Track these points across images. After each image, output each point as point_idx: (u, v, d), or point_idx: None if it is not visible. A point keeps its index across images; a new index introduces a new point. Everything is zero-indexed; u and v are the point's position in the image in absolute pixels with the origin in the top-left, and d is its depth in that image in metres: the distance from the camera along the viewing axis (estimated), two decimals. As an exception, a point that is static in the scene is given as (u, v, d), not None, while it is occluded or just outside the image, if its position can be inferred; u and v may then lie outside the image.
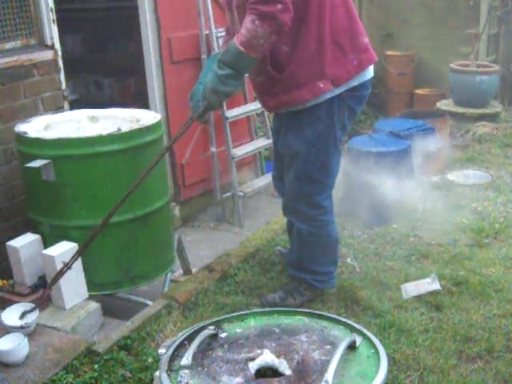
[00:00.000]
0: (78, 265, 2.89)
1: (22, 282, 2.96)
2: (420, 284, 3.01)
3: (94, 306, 2.91)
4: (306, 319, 2.02)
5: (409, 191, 4.02)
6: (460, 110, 6.07)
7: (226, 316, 2.06)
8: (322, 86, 2.59)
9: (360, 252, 3.41)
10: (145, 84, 4.24)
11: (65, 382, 2.40)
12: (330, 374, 1.63)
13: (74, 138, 2.96)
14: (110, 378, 2.43)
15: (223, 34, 4.29)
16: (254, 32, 2.35)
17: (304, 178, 2.80)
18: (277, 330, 1.95)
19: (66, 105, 3.61)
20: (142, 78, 4.29)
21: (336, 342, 1.85)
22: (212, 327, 1.93)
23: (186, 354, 1.78)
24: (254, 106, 4.66)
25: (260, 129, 5.12)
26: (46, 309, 2.89)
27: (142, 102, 4.74)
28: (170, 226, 3.36)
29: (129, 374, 2.45)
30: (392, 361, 2.42)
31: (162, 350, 1.87)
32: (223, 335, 1.93)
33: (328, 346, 1.85)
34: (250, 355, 1.81)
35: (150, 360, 2.51)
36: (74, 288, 2.88)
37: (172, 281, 3.33)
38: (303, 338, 1.90)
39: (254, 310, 2.17)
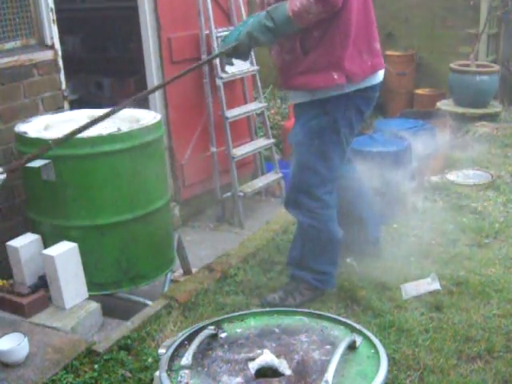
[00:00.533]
0: (78, 265, 2.90)
1: (21, 281, 2.96)
2: (420, 284, 3.01)
3: (94, 306, 2.91)
4: (306, 319, 2.02)
5: (409, 191, 4.03)
6: (460, 109, 6.07)
7: (226, 316, 2.06)
8: (336, 77, 2.71)
9: (360, 252, 3.40)
10: (145, 84, 4.24)
11: (65, 382, 2.40)
12: (329, 374, 1.63)
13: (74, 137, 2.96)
14: (110, 378, 2.43)
15: (223, 34, 4.33)
16: (308, 7, 2.52)
17: (305, 168, 2.88)
18: (277, 330, 1.95)
19: (66, 105, 3.62)
20: (142, 77, 4.30)
21: (336, 341, 1.85)
22: (212, 327, 1.93)
23: (186, 354, 1.78)
24: (254, 106, 4.66)
25: (260, 129, 5.13)
26: (46, 309, 2.89)
27: (142, 102, 4.74)
28: (170, 226, 3.36)
29: (129, 374, 2.45)
30: (392, 361, 2.42)
31: (161, 350, 1.87)
32: (223, 335, 1.93)
33: (328, 346, 1.85)
34: (250, 355, 1.81)
35: (150, 360, 2.51)
36: (74, 288, 2.88)
37: (172, 281, 3.33)
38: (303, 337, 1.90)
39: (254, 310, 2.17)
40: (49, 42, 3.50)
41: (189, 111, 4.35)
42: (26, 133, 2.98)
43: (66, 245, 2.88)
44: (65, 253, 2.84)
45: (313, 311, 2.10)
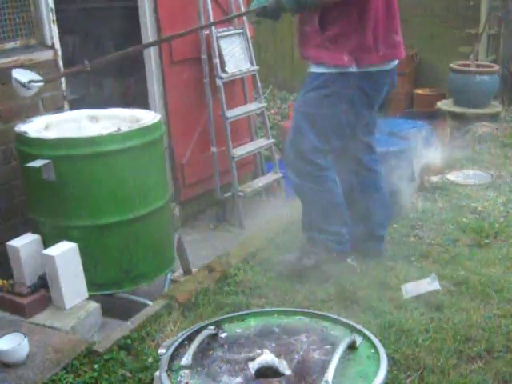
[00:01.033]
0: (78, 265, 2.90)
1: (21, 281, 2.96)
2: (420, 284, 3.01)
3: (94, 306, 2.91)
4: (306, 319, 2.02)
5: (409, 191, 4.02)
6: (460, 109, 6.06)
7: (226, 316, 2.06)
8: (346, 59, 2.87)
9: (360, 252, 3.40)
10: (145, 84, 4.24)
11: (65, 382, 2.40)
12: (329, 374, 1.63)
13: (74, 137, 2.97)
14: (110, 378, 2.43)
15: (223, 34, 4.33)
16: None
17: (298, 133, 3.07)
18: (277, 330, 1.95)
19: (66, 105, 3.62)
20: (142, 77, 4.30)
21: (336, 341, 1.85)
22: (212, 327, 1.93)
23: (186, 354, 1.78)
24: (254, 106, 4.66)
25: (260, 129, 5.13)
26: (46, 309, 2.89)
27: (141, 101, 4.74)
28: (170, 226, 3.36)
29: (129, 374, 2.45)
30: (392, 361, 2.42)
31: (161, 350, 1.87)
32: (223, 335, 1.93)
33: (328, 346, 1.85)
34: (250, 355, 1.81)
35: (150, 360, 2.51)
36: (74, 288, 2.88)
37: (172, 281, 3.33)
38: (303, 337, 1.90)
39: (254, 310, 2.17)
40: (49, 42, 3.50)
41: (189, 111, 4.35)
42: (26, 133, 2.98)
43: (66, 245, 2.88)
44: (65, 253, 2.84)
45: (313, 311, 2.10)
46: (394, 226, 3.72)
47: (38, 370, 2.46)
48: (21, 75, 2.83)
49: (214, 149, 4.45)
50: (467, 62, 6.19)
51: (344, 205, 3.17)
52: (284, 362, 1.78)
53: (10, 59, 3.27)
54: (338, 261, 3.17)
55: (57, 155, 2.86)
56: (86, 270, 2.92)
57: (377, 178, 3.27)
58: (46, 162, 2.83)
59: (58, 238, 2.92)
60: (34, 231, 3.05)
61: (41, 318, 2.83)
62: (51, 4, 3.47)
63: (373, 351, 1.81)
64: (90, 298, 2.95)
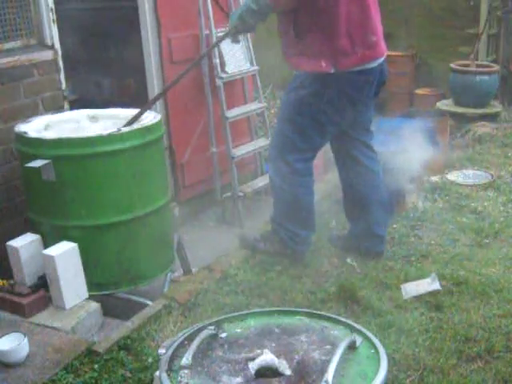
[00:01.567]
0: (78, 265, 2.90)
1: (21, 281, 2.96)
2: (420, 284, 3.01)
3: (94, 306, 2.91)
4: (306, 319, 2.02)
5: (409, 191, 4.03)
6: (460, 109, 6.06)
7: (226, 316, 2.06)
8: (324, 65, 2.92)
9: (360, 252, 3.40)
10: (145, 84, 4.24)
11: (65, 382, 2.40)
12: (329, 374, 1.63)
13: (74, 137, 2.96)
14: (110, 378, 2.43)
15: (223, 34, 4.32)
16: None
17: (280, 133, 3.16)
18: (277, 330, 1.95)
19: (66, 105, 3.61)
20: (142, 77, 4.29)
21: (336, 341, 1.85)
22: (212, 327, 1.93)
23: (186, 354, 1.78)
24: (254, 106, 4.66)
25: (260, 129, 5.12)
26: (46, 309, 2.89)
27: (141, 101, 4.73)
28: (170, 225, 3.36)
29: (129, 374, 2.45)
30: (392, 361, 2.42)
31: (161, 350, 1.87)
32: (223, 335, 1.93)
33: (328, 346, 1.85)
34: (250, 355, 1.82)
35: (150, 360, 2.51)
36: (74, 288, 2.88)
37: (172, 281, 3.33)
38: (303, 337, 1.90)
39: (254, 310, 2.17)
40: (49, 42, 3.50)
41: (189, 111, 4.35)
42: (26, 133, 2.98)
43: (66, 245, 2.88)
44: (65, 253, 2.84)
45: (313, 311, 2.10)
46: (394, 226, 3.72)
47: (38, 370, 2.46)
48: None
49: (213, 149, 4.44)
50: (467, 62, 6.19)
51: (311, 211, 3.26)
52: (284, 362, 1.78)
53: (10, 59, 3.27)
54: (291, 257, 3.28)
55: (57, 155, 2.86)
56: (85, 270, 2.92)
57: (375, 177, 3.27)
58: (45, 162, 2.83)
59: (58, 238, 2.92)
60: (34, 231, 3.05)
61: (41, 318, 2.83)
62: (51, 4, 3.47)
63: (373, 351, 1.81)
64: (90, 297, 2.95)
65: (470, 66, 6.12)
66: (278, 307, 2.73)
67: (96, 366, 2.48)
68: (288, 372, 1.75)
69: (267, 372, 1.77)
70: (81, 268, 2.90)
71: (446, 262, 3.28)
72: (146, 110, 3.15)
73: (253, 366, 1.77)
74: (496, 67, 6.23)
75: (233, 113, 4.41)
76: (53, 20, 3.48)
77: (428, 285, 2.98)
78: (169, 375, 1.73)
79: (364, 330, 1.90)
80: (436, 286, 2.97)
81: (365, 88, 3.04)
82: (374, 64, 3.01)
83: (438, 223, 3.76)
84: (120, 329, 2.74)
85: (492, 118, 6.03)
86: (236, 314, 2.08)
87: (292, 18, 2.94)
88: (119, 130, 2.96)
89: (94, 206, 2.94)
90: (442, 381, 2.36)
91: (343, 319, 1.99)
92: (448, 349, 2.53)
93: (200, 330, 1.92)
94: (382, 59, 3.07)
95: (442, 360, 2.46)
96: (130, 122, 3.07)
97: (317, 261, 3.32)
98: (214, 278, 3.14)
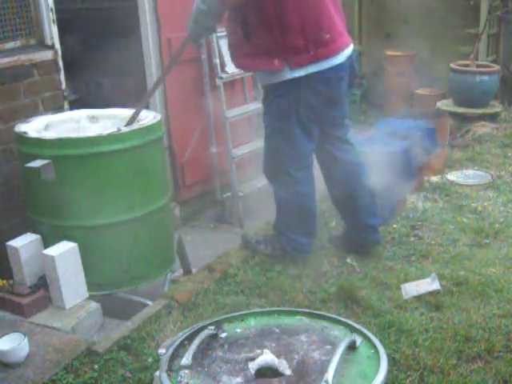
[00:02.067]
0: (78, 265, 2.90)
1: (21, 281, 2.97)
2: (420, 284, 3.01)
3: (94, 306, 2.91)
4: (306, 319, 2.02)
5: (409, 191, 4.03)
6: (460, 109, 6.06)
7: (226, 316, 2.06)
8: (276, 63, 2.90)
9: (360, 252, 3.40)
10: (145, 84, 4.24)
11: (65, 382, 2.40)
12: (329, 374, 1.63)
13: (74, 137, 2.96)
14: (110, 378, 2.43)
15: (223, 34, 4.32)
16: None
17: (272, 148, 3.14)
18: (277, 330, 1.95)
19: (66, 105, 3.61)
20: (142, 77, 4.30)
21: (336, 342, 1.85)
22: (212, 327, 1.93)
23: (186, 354, 1.78)
24: (254, 106, 4.66)
25: (260, 129, 5.12)
26: (46, 309, 2.89)
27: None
28: (170, 225, 3.36)
29: (129, 374, 2.45)
30: (392, 361, 2.42)
31: (162, 350, 1.87)
32: (223, 335, 1.93)
33: (328, 346, 1.85)
34: (250, 355, 1.81)
35: (149, 360, 2.51)
36: (74, 288, 2.88)
37: (172, 281, 3.33)
38: (303, 337, 1.90)
39: (254, 310, 2.17)
40: (49, 42, 3.50)
41: (189, 111, 4.35)
42: (25, 133, 2.98)
43: (66, 245, 2.88)
44: (65, 253, 2.84)
45: (313, 311, 2.10)
46: (394, 226, 3.72)
47: (38, 369, 2.46)
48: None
49: (213, 149, 4.44)
50: (467, 62, 6.19)
51: (313, 219, 3.26)
52: (284, 362, 1.78)
53: (10, 59, 3.27)
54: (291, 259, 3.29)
55: (56, 155, 2.86)
56: (85, 270, 2.92)
57: (356, 169, 3.27)
58: (45, 162, 2.83)
59: (57, 238, 2.92)
60: (34, 231, 3.05)
61: (41, 318, 2.83)
62: (51, 4, 3.47)
63: (373, 351, 1.81)
64: (90, 297, 2.95)
65: (470, 66, 6.12)
66: (277, 307, 2.74)
67: (96, 366, 2.48)
68: (288, 372, 1.75)
69: (267, 372, 1.77)
70: (81, 268, 2.90)
71: (446, 261, 3.28)
72: (141, 109, 3.16)
73: (253, 366, 1.77)
74: (496, 67, 6.23)
75: (233, 113, 4.41)
76: (53, 20, 3.48)
77: (428, 285, 2.98)
78: (169, 375, 1.73)
79: (364, 330, 1.90)
80: (436, 285, 2.97)
81: (337, 84, 3.03)
82: (343, 58, 2.99)
83: (438, 223, 3.76)
84: (120, 329, 2.74)
85: (492, 118, 6.02)
86: (236, 313, 2.08)
87: (240, 17, 2.91)
88: (119, 129, 2.96)
89: (94, 205, 2.94)
90: (442, 381, 2.36)
91: (343, 319, 1.98)
92: (448, 349, 2.53)
93: (200, 330, 1.92)
94: (350, 52, 3.05)
95: (442, 360, 2.46)
96: (130, 122, 3.08)
97: (317, 261, 3.32)
98: (214, 278, 3.14)
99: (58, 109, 3.53)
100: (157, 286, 3.28)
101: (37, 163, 2.82)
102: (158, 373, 1.84)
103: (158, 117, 3.19)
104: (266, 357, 1.79)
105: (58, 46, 3.53)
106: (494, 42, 6.82)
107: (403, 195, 3.93)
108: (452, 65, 6.23)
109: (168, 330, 2.71)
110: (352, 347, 1.81)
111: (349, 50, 3.04)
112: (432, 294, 2.93)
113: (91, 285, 2.96)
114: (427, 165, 4.26)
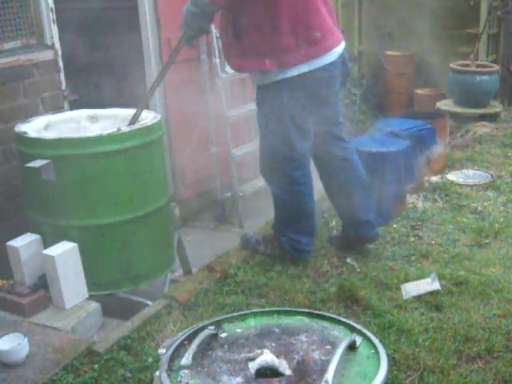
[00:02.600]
0: (78, 265, 2.89)
1: (21, 281, 2.96)
2: (420, 284, 3.01)
3: (94, 306, 2.91)
4: (306, 319, 2.02)
5: (408, 191, 4.02)
6: (460, 109, 6.07)
7: (226, 316, 2.06)
8: (267, 63, 2.89)
9: (360, 252, 3.41)
10: (145, 84, 4.24)
11: (65, 382, 2.40)
12: (329, 374, 1.63)
13: (74, 137, 2.97)
14: (110, 378, 2.42)
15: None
16: None
17: (267, 148, 3.12)
18: (277, 330, 1.95)
19: (66, 105, 3.62)
20: (142, 77, 4.30)
21: (336, 341, 1.85)
22: (212, 327, 1.93)
23: (186, 354, 1.78)
24: (254, 106, 4.64)
25: (260, 129, 5.12)
26: (46, 309, 2.89)
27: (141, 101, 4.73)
28: (170, 225, 3.36)
29: (129, 374, 2.45)
30: (392, 361, 2.42)
31: (162, 350, 1.87)
32: (223, 335, 1.93)
33: (328, 346, 1.85)
34: (250, 355, 1.81)
35: (149, 360, 2.51)
36: (74, 288, 2.88)
37: (172, 281, 3.33)
38: (303, 337, 1.90)
39: (254, 310, 2.17)
40: (49, 42, 3.50)
41: (189, 111, 4.35)
42: (25, 133, 2.98)
43: (66, 245, 2.88)
44: (65, 253, 2.84)
45: (313, 311, 2.10)
46: (394, 226, 3.72)
47: (38, 369, 2.46)
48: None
49: (213, 149, 4.44)
50: (467, 62, 6.19)
51: (312, 217, 3.25)
52: (284, 362, 1.78)
53: (10, 59, 3.27)
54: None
55: (57, 155, 2.86)
56: (85, 270, 2.92)
57: (352, 166, 3.27)
58: (45, 162, 2.83)
59: (57, 237, 2.92)
60: (34, 231, 3.04)
61: (41, 317, 2.83)
62: (51, 4, 3.48)
63: (373, 351, 1.81)
64: (90, 297, 2.95)
65: (470, 66, 6.12)
66: (277, 307, 2.74)
67: (96, 366, 2.48)
68: (288, 372, 1.75)
69: (267, 372, 1.77)
70: (81, 268, 2.90)
71: (446, 261, 3.28)
72: (142, 109, 3.15)
73: (253, 366, 1.77)
74: (496, 67, 6.23)
75: (233, 113, 4.41)
76: (53, 20, 3.48)
77: (428, 285, 2.98)
78: (169, 375, 1.73)
79: (364, 330, 1.90)
80: (436, 285, 2.97)
81: (330, 82, 3.03)
82: (334, 57, 2.98)
83: (438, 223, 3.76)
84: (120, 329, 2.74)
85: (492, 118, 6.03)
86: (236, 314, 2.08)
87: (230, 18, 2.90)
88: (119, 129, 2.96)
89: (94, 206, 2.94)
90: (442, 381, 2.36)
91: (343, 319, 1.98)
92: (448, 349, 2.53)
93: (200, 330, 1.92)
94: (342, 50, 3.04)
95: (442, 360, 2.46)
96: (132, 122, 3.08)
97: (317, 261, 3.32)
98: (214, 278, 3.14)
99: (58, 109, 3.53)
100: (157, 286, 3.28)
101: (37, 163, 2.82)
102: (158, 373, 1.83)
103: (158, 117, 3.19)
104: (266, 357, 1.79)
105: (58, 45, 3.53)
106: (494, 41, 6.83)
107: (403, 195, 3.92)
108: (452, 65, 6.23)
109: (168, 330, 2.71)
110: (352, 347, 1.81)
111: (340, 47, 3.03)
112: (432, 293, 2.93)
113: (91, 285, 2.96)
114: (427, 165, 4.26)
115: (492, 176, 4.53)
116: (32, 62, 3.37)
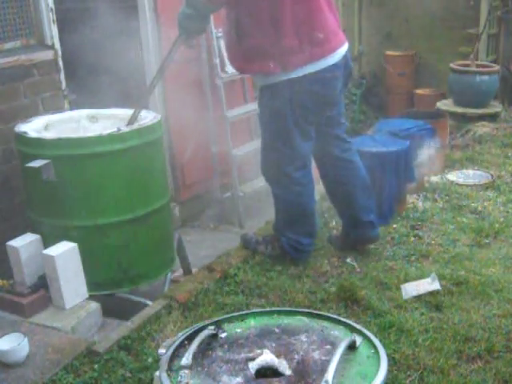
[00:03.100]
0: (78, 265, 2.89)
1: (21, 281, 2.96)
2: (420, 284, 3.01)
3: (94, 306, 2.91)
4: (306, 319, 2.01)
5: (408, 191, 4.02)
6: (460, 109, 6.07)
7: (226, 316, 2.06)
8: (271, 65, 2.87)
9: (360, 252, 3.41)
10: (145, 84, 4.24)
11: (65, 382, 2.40)
12: (329, 374, 1.63)
13: (74, 137, 2.97)
14: (110, 378, 2.43)
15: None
16: None
17: (269, 148, 3.12)
18: (277, 330, 1.95)
19: (66, 105, 3.62)
20: (142, 77, 4.29)
21: (336, 341, 1.85)
22: (212, 327, 1.93)
23: (186, 354, 1.78)
24: (254, 106, 4.64)
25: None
26: (46, 309, 2.89)
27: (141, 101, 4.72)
28: (170, 225, 3.36)
29: (129, 374, 2.45)
30: (392, 361, 2.42)
31: (162, 350, 1.87)
32: (223, 335, 1.93)
33: (328, 346, 1.84)
34: (250, 355, 1.81)
35: (149, 360, 2.51)
36: (74, 288, 2.88)
37: (172, 281, 3.33)
38: (303, 337, 1.90)
39: (254, 310, 2.17)
40: (49, 42, 3.50)
41: (189, 111, 4.35)
42: (25, 133, 2.98)
43: (66, 245, 2.88)
44: (65, 253, 2.84)
45: (313, 311, 2.09)
46: (394, 226, 3.72)
47: (38, 369, 2.46)
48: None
49: (213, 149, 4.44)
50: (467, 62, 6.19)
51: (313, 218, 3.25)
52: (284, 362, 1.78)
53: (9, 59, 3.27)
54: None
55: (57, 155, 2.86)
56: (85, 270, 2.92)
57: (353, 167, 3.28)
58: (45, 162, 2.84)
59: (57, 237, 2.92)
60: (34, 231, 3.05)
61: (41, 317, 2.83)
62: (51, 4, 3.48)
63: (373, 351, 1.81)
64: (90, 297, 2.95)
65: (470, 66, 6.12)
66: (277, 307, 2.74)
67: (96, 366, 2.48)
68: (288, 372, 1.75)
69: (267, 372, 1.77)
70: (81, 268, 2.90)
71: (446, 261, 3.28)
72: (141, 109, 3.16)
73: (253, 366, 1.77)
74: (496, 67, 6.23)
75: (233, 113, 4.42)
76: (53, 20, 3.48)
77: (428, 285, 2.98)
78: (169, 375, 1.73)
79: (364, 330, 1.90)
80: (436, 285, 2.97)
81: (333, 83, 3.02)
82: (338, 58, 2.97)
83: (438, 223, 3.76)
84: (120, 329, 2.74)
85: (492, 118, 6.03)
86: (236, 314, 2.08)
87: (233, 19, 2.88)
88: (119, 129, 2.96)
89: (94, 206, 2.95)
90: (442, 381, 2.36)
91: (343, 319, 1.98)
92: (448, 349, 2.53)
93: (200, 330, 1.92)
94: (345, 51, 3.03)
95: (442, 360, 2.46)
96: (131, 122, 3.08)
97: (317, 261, 3.32)
98: (214, 278, 3.14)
99: (58, 109, 3.53)
100: (157, 286, 3.28)
101: (37, 163, 2.83)
102: (158, 373, 1.83)
103: (158, 117, 3.19)
104: (266, 357, 1.79)
105: (58, 45, 3.53)
106: (494, 42, 6.83)
107: (403, 195, 3.92)
108: (452, 65, 6.23)
109: (168, 329, 2.71)
110: (352, 347, 1.81)
111: (343, 48, 3.03)
112: (432, 293, 2.93)
113: (91, 285, 2.96)
114: (427, 165, 4.26)
115: (492, 176, 4.53)
116: (32, 62, 3.37)
